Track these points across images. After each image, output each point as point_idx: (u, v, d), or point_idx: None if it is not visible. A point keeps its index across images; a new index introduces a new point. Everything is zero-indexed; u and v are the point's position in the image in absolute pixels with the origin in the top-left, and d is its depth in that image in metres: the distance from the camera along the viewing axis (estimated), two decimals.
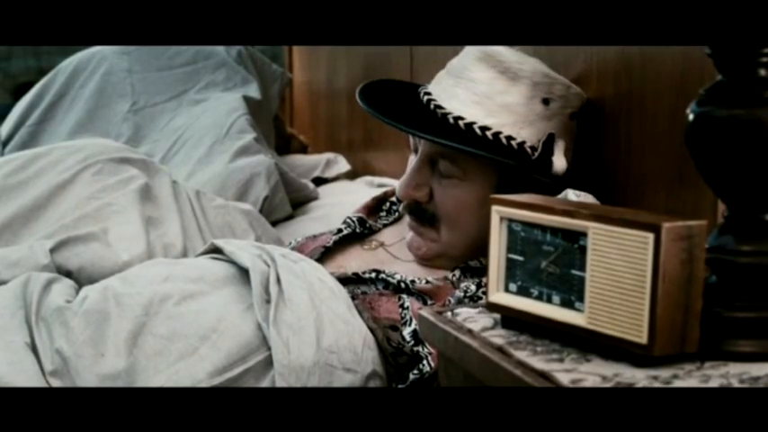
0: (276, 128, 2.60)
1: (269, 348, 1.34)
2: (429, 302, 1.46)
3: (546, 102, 1.49)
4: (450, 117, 1.48)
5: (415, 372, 1.39)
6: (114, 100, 2.43)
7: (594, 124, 1.55)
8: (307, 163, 2.55)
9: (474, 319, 1.08)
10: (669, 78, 1.37)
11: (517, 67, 1.49)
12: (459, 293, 1.45)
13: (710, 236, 0.99)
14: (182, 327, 1.36)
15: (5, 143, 2.41)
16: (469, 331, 1.05)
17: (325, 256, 1.64)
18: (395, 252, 1.62)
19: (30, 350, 1.37)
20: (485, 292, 1.41)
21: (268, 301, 1.38)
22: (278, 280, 1.40)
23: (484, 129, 1.47)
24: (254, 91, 2.44)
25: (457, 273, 1.51)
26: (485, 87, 1.49)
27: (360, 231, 1.68)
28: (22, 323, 1.40)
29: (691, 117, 0.98)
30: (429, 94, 1.53)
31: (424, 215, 1.54)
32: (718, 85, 0.98)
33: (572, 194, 1.42)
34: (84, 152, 1.77)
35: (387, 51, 2.36)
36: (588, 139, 1.55)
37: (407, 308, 1.45)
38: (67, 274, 1.56)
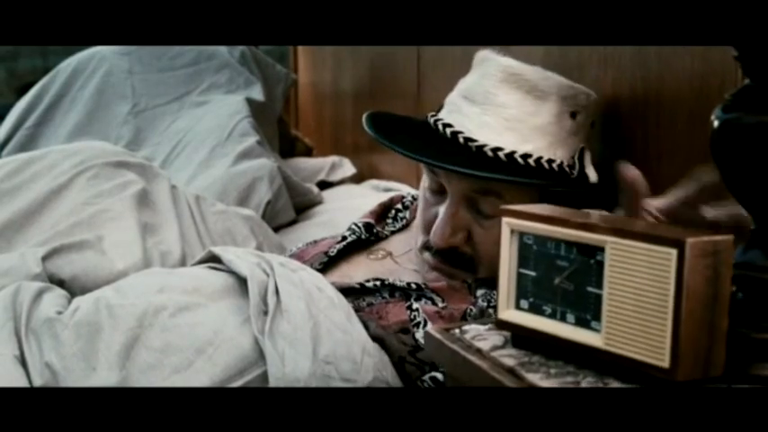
0: (280, 130, 2.56)
1: None
2: (441, 304, 1.40)
3: (573, 115, 1.43)
4: (487, 149, 1.40)
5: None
6: (114, 102, 2.39)
7: (609, 131, 1.49)
8: (311, 166, 2.51)
9: (483, 337, 1.02)
10: (688, 82, 1.32)
11: (543, 84, 1.42)
12: (481, 303, 1.39)
13: (736, 251, 0.93)
14: (177, 340, 1.31)
15: (3, 146, 2.37)
16: (478, 351, 0.99)
17: (330, 265, 1.58)
18: (403, 262, 1.56)
19: (19, 363, 1.32)
20: None
21: (266, 313, 1.33)
22: (276, 290, 1.35)
23: (525, 157, 1.39)
24: (257, 93, 2.40)
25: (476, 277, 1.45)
26: (515, 111, 1.41)
27: (366, 237, 1.62)
28: (11, 335, 1.35)
29: (716, 124, 0.91)
30: (450, 125, 1.44)
31: (461, 259, 1.45)
32: (746, 90, 0.91)
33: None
34: (80, 156, 1.73)
35: (393, 51, 2.31)
36: (603, 146, 1.49)
37: (416, 309, 1.39)
38: (60, 283, 1.51)
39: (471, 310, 1.38)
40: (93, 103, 2.39)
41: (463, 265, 1.45)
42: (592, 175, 1.43)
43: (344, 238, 1.62)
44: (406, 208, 1.68)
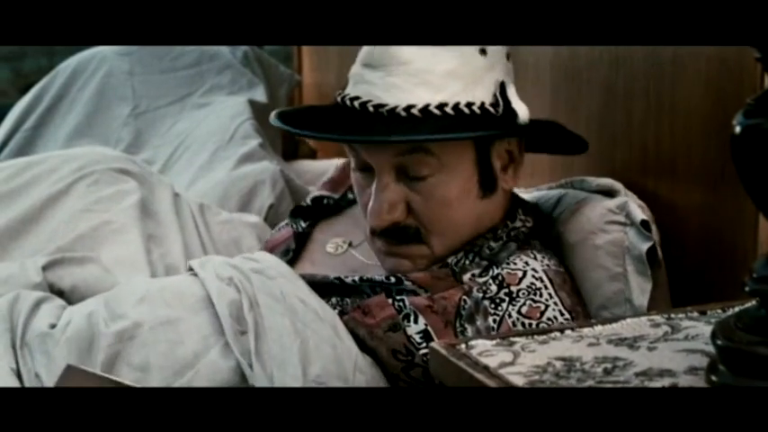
0: (283, 132, 2.51)
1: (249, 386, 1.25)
2: (426, 294, 1.33)
3: (483, 51, 1.35)
4: (399, 110, 1.32)
5: None
6: (114, 103, 2.35)
7: (620, 134, 1.44)
8: (315, 169, 2.46)
9: (490, 353, 0.98)
10: (703, 86, 1.28)
11: None
12: (477, 294, 1.32)
13: (758, 263, 0.88)
14: (156, 358, 1.28)
15: (0, 148, 2.33)
16: (486, 368, 0.94)
17: (292, 263, 1.51)
18: (365, 256, 1.47)
19: (15, 377, 1.29)
20: (508, 294, 1.30)
21: (242, 332, 1.28)
22: (256, 304, 1.30)
23: (441, 107, 1.31)
24: (260, 94, 2.36)
25: (458, 255, 1.36)
26: (419, 64, 1.33)
27: (307, 206, 1.57)
28: (8, 347, 1.32)
29: (737, 129, 0.87)
30: (357, 97, 1.36)
31: (406, 234, 1.37)
32: None
33: (633, 204, 1.33)
34: (79, 161, 1.68)
35: None
36: (616, 152, 1.45)
37: (401, 299, 1.32)
38: (60, 293, 1.46)
39: (465, 300, 1.31)
40: (93, 105, 2.34)
41: (412, 239, 1.37)
42: (521, 109, 1.34)
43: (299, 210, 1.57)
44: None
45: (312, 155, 2.69)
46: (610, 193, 1.40)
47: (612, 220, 1.35)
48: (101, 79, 2.38)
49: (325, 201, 1.59)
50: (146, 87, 2.37)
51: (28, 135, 2.34)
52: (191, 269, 1.42)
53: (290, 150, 2.59)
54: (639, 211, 1.32)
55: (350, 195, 1.57)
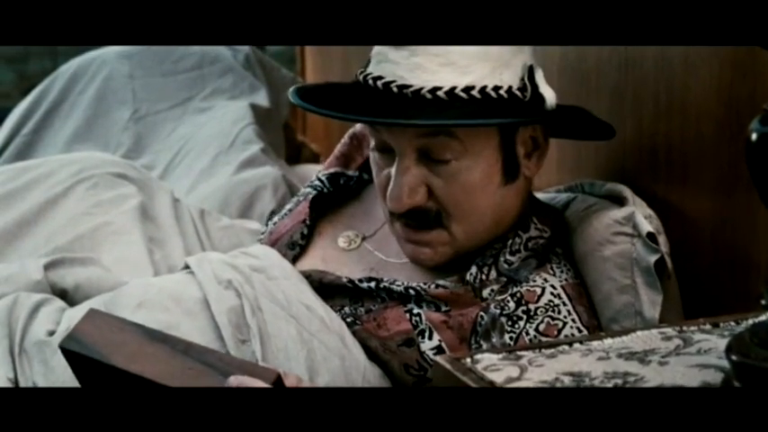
0: (286, 136, 2.50)
1: None
2: (444, 309, 1.31)
3: None
4: (424, 92, 1.27)
5: None
6: (115, 107, 2.34)
7: (629, 138, 1.41)
8: None
9: (496, 368, 0.95)
10: (715, 90, 1.25)
11: None
12: (494, 310, 1.29)
13: None
14: None
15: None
16: (491, 384, 0.91)
17: (298, 257, 1.45)
18: (382, 250, 1.42)
19: (13, 386, 1.28)
20: (526, 312, 1.27)
21: (243, 341, 1.25)
22: (258, 309, 1.28)
23: (468, 90, 1.27)
24: (262, 98, 2.35)
25: (473, 270, 1.33)
26: None
27: (328, 191, 1.50)
28: (6, 355, 1.30)
29: (754, 137, 0.84)
30: (381, 77, 1.30)
31: (427, 218, 1.32)
32: None
33: (640, 216, 1.28)
34: (78, 165, 1.68)
35: None
36: (625, 157, 1.42)
37: (418, 314, 1.30)
38: (62, 293, 1.44)
39: (482, 317, 1.29)
40: (93, 109, 2.33)
41: (433, 223, 1.32)
42: (548, 94, 1.31)
43: (316, 191, 1.50)
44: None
45: (315, 159, 2.67)
46: (618, 200, 1.36)
47: (619, 232, 1.31)
48: (101, 83, 2.37)
49: (342, 180, 1.53)
50: (146, 91, 2.35)
51: (27, 139, 2.33)
52: (187, 266, 1.39)
53: (293, 154, 2.57)
54: (646, 223, 1.28)
55: (364, 176, 1.53)
